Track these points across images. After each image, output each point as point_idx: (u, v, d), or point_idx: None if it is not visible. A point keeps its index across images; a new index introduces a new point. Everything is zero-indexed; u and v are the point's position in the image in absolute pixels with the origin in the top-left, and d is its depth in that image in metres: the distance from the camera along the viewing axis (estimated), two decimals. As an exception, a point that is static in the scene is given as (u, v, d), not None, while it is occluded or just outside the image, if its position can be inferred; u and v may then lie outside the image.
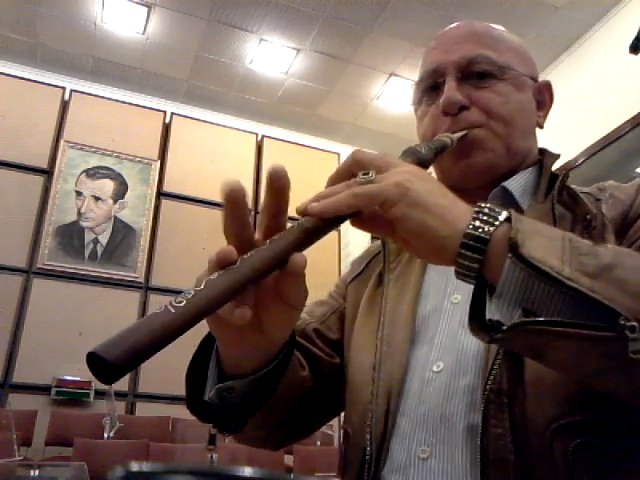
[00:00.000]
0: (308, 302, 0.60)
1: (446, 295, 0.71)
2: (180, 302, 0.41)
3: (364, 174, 0.51)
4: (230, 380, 0.59)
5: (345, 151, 6.34)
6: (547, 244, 0.47)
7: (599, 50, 4.44)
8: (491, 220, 0.48)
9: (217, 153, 5.71)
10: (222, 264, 0.46)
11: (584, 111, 4.29)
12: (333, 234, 4.77)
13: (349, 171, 0.54)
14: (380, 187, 0.49)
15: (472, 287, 0.67)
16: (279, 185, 0.49)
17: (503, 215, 0.49)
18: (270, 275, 0.49)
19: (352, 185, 0.51)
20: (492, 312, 0.48)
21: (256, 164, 5.87)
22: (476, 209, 0.49)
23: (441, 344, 0.67)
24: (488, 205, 0.49)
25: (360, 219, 0.52)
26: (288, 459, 4.18)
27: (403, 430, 0.65)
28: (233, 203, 0.49)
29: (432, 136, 0.74)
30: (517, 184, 0.74)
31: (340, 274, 5.53)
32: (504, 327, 0.46)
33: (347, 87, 5.55)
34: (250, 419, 0.62)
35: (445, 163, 0.73)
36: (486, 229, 0.48)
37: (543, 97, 0.81)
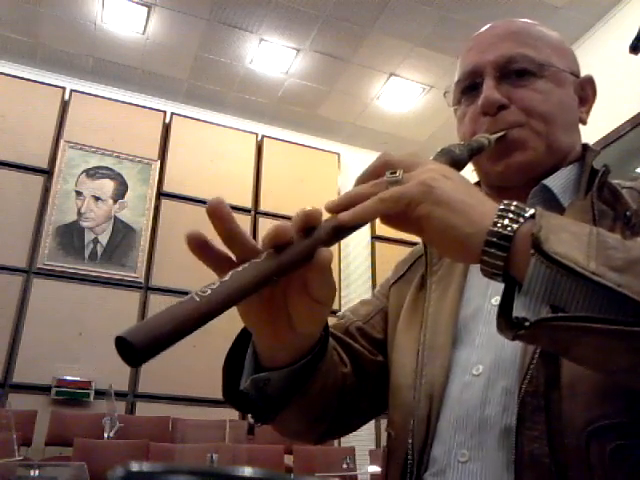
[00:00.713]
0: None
1: (487, 297, 0.70)
2: (205, 292, 0.42)
3: (391, 173, 0.52)
4: (266, 372, 0.60)
5: (345, 151, 6.34)
6: (572, 239, 0.47)
7: (599, 50, 4.44)
8: (515, 217, 0.48)
9: (217, 153, 5.71)
10: (243, 259, 0.48)
11: (584, 111, 4.29)
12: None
13: (377, 173, 0.54)
14: (405, 188, 0.50)
15: None
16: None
17: (528, 212, 0.48)
18: (297, 271, 0.50)
19: (380, 185, 0.51)
20: (519, 309, 0.47)
21: (256, 164, 5.87)
22: (501, 207, 0.49)
23: (481, 347, 0.67)
24: (514, 203, 0.49)
25: (389, 219, 0.52)
26: (288, 459, 4.17)
27: (444, 434, 0.65)
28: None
29: (471, 136, 0.73)
30: (558, 181, 0.73)
31: (340, 274, 5.52)
32: (527, 323, 0.46)
33: (347, 87, 5.55)
34: (286, 410, 0.63)
35: (484, 163, 0.73)
36: (510, 226, 0.47)
37: (586, 92, 0.80)
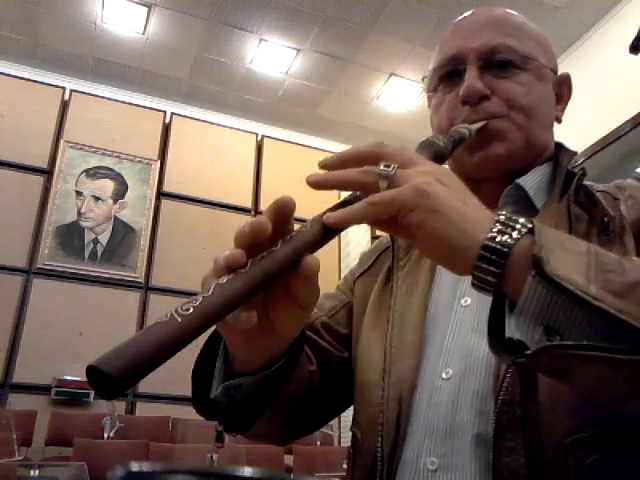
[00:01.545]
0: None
1: (456, 297, 0.68)
2: (187, 310, 0.38)
3: (385, 165, 0.48)
4: (238, 378, 0.58)
5: (345, 151, 6.34)
6: (572, 260, 0.45)
7: (599, 50, 4.44)
8: (511, 232, 0.46)
9: (217, 153, 5.71)
10: (231, 269, 0.44)
11: (584, 111, 4.29)
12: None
13: (368, 158, 0.51)
14: (397, 192, 0.47)
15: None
16: (286, 211, 0.49)
17: (524, 226, 0.46)
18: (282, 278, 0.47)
19: (369, 174, 0.48)
20: (512, 330, 0.46)
21: (256, 164, 5.87)
22: (497, 218, 0.47)
23: (450, 349, 0.65)
24: (508, 215, 0.47)
25: (378, 222, 0.49)
26: (288, 459, 4.17)
27: (413, 440, 0.62)
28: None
29: (449, 126, 0.71)
30: (531, 181, 0.71)
31: (340, 274, 5.52)
32: (529, 351, 0.43)
33: (347, 87, 5.55)
34: (258, 417, 0.61)
35: (460, 154, 0.69)
36: (506, 241, 0.45)
37: (562, 90, 0.79)
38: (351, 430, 0.72)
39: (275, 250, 0.45)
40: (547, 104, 0.75)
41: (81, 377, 4.59)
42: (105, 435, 3.78)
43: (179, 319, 0.38)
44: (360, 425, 0.70)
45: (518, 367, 0.46)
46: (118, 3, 4.66)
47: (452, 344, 0.65)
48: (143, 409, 4.75)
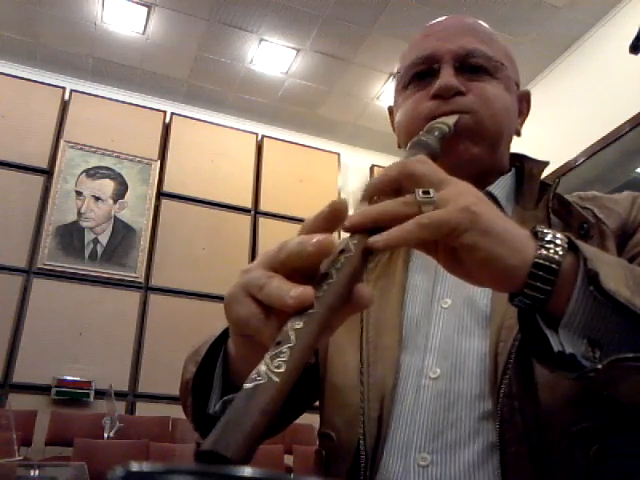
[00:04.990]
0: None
1: (435, 299, 0.69)
2: (279, 367, 0.37)
3: (424, 192, 0.46)
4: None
5: (345, 151, 6.34)
6: (614, 272, 0.47)
7: (599, 50, 4.44)
8: (555, 247, 0.47)
9: (217, 153, 5.71)
10: (300, 309, 0.39)
11: (584, 111, 4.29)
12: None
13: (396, 184, 0.48)
14: (447, 214, 0.45)
15: (463, 291, 0.66)
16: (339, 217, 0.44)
17: (563, 240, 0.47)
18: None
19: (411, 204, 0.45)
20: (564, 344, 0.46)
21: (256, 164, 5.87)
22: (539, 235, 0.48)
23: (436, 350, 0.65)
24: (545, 230, 0.48)
25: (421, 244, 0.48)
26: (288, 459, 4.17)
27: (399, 437, 0.63)
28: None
29: (412, 121, 0.72)
30: (501, 190, 0.73)
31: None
32: (599, 365, 0.44)
33: (347, 87, 5.55)
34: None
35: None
36: (554, 258, 0.46)
37: (522, 105, 0.81)
38: (321, 432, 0.72)
39: (333, 282, 0.41)
40: (512, 114, 0.77)
41: (81, 377, 4.60)
42: (105, 435, 3.78)
43: (276, 379, 0.36)
44: (335, 426, 0.69)
45: (586, 381, 0.46)
46: (118, 3, 4.66)
47: (437, 345, 0.66)
48: (143, 409, 4.75)
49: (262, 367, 0.37)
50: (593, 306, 0.45)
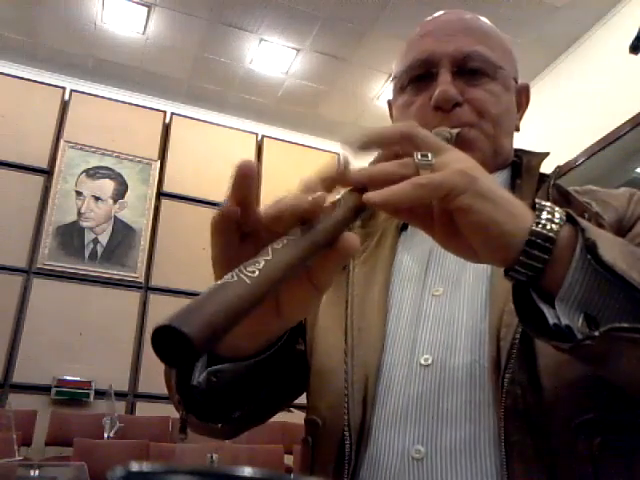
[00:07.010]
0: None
1: (426, 286, 0.68)
2: (253, 272, 0.37)
3: (423, 155, 0.46)
4: (226, 362, 0.55)
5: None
6: (612, 246, 0.46)
7: (599, 50, 4.44)
8: (554, 218, 0.46)
9: (217, 153, 5.71)
10: (315, 212, 0.43)
11: (584, 111, 4.29)
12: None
13: (397, 143, 0.49)
14: (445, 175, 0.45)
15: (455, 280, 0.66)
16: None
17: (563, 214, 0.47)
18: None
19: (408, 166, 0.46)
20: (559, 316, 0.45)
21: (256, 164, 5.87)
22: (538, 206, 0.47)
23: (426, 338, 0.64)
24: (548, 204, 0.48)
25: (410, 209, 0.48)
26: (288, 459, 4.17)
27: (388, 428, 0.61)
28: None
29: None
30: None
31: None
32: (595, 333, 0.43)
33: (347, 87, 5.55)
34: (236, 408, 0.59)
35: None
36: (553, 228, 0.46)
37: (521, 99, 0.81)
38: (307, 419, 0.71)
39: (321, 224, 0.43)
40: (512, 113, 0.78)
41: (81, 377, 4.60)
42: (105, 435, 3.78)
43: (248, 281, 0.36)
44: (320, 412, 0.68)
45: (576, 352, 0.46)
46: (118, 3, 4.66)
47: (428, 333, 0.64)
48: (143, 409, 4.75)
49: (235, 271, 0.37)
50: (591, 278, 0.45)
